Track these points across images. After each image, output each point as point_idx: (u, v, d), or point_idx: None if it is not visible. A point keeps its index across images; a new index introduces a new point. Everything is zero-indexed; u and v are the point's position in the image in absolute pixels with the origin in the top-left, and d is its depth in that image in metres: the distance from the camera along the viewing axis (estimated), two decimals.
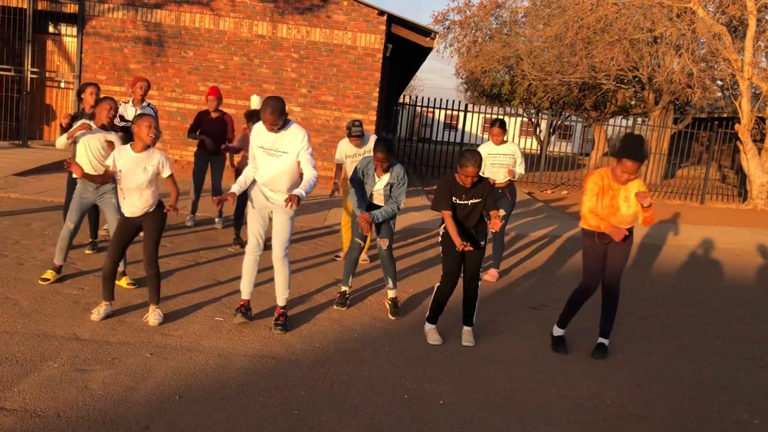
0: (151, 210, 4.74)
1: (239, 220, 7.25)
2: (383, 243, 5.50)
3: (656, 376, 4.72)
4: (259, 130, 4.72)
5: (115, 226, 4.78)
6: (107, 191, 5.43)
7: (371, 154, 6.88)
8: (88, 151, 5.38)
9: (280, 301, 4.96)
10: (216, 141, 7.88)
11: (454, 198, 4.85)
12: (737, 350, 5.48)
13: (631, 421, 3.98)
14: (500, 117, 6.93)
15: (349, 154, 6.90)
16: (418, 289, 6.35)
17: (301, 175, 4.79)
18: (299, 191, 4.47)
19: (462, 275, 5.02)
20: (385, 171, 5.44)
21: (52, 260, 6.05)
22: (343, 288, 5.59)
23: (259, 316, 5.16)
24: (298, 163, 4.69)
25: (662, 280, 7.75)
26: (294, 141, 4.63)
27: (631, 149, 4.55)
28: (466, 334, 5.03)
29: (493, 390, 4.23)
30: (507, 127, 6.84)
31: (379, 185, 5.49)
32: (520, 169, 6.96)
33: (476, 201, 4.88)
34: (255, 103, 7.62)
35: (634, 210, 4.78)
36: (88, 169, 5.41)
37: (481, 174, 5.28)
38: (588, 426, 3.85)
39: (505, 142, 6.82)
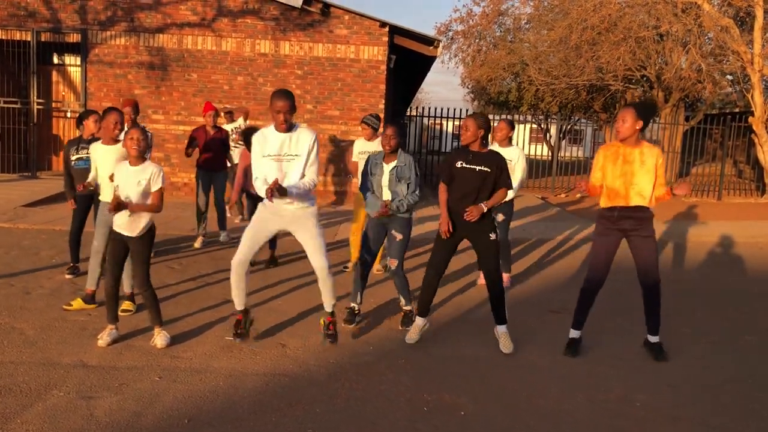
0: (141, 233, 4.60)
1: None
2: (392, 263, 5.24)
3: (687, 376, 4.51)
4: (263, 138, 4.41)
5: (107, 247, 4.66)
6: None
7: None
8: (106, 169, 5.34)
9: (329, 307, 4.73)
10: (216, 157, 7.79)
11: (459, 162, 4.55)
12: None
13: (665, 423, 3.77)
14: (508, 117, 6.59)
15: (360, 150, 6.77)
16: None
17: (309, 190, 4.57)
18: (289, 187, 4.25)
19: (480, 270, 4.77)
20: (393, 151, 5.18)
21: (60, 289, 5.96)
22: (352, 304, 5.34)
23: (270, 334, 5.00)
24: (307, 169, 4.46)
25: (685, 277, 7.51)
26: (305, 142, 4.40)
27: (639, 105, 4.55)
28: (502, 338, 4.75)
29: (516, 397, 4.03)
30: (514, 128, 6.55)
31: (386, 169, 5.20)
32: (513, 180, 6.33)
33: (485, 169, 4.52)
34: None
35: (651, 177, 4.55)
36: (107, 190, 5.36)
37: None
38: (618, 430, 3.65)
39: (511, 145, 6.56)
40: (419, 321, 4.88)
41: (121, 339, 4.73)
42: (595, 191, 4.76)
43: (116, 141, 5.40)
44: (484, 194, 4.61)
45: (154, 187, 4.56)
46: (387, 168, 5.23)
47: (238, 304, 4.70)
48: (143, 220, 4.56)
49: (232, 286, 4.64)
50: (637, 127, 4.50)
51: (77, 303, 5.36)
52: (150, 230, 4.65)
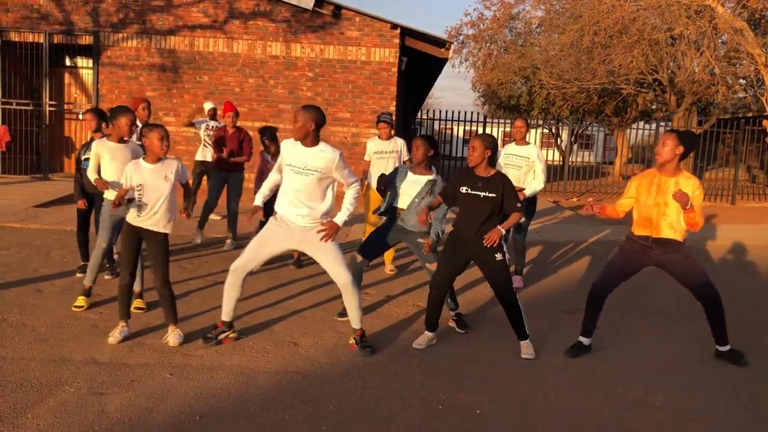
0: (162, 229, 4.56)
1: None
2: (434, 267, 5.08)
3: (706, 377, 4.42)
4: (288, 146, 4.41)
5: (120, 240, 4.62)
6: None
7: (397, 150, 6.69)
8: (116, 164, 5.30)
9: (356, 324, 4.60)
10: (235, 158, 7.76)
11: (465, 188, 4.48)
12: None
13: (686, 424, 3.68)
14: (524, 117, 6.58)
15: (376, 150, 6.72)
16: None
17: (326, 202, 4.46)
18: (340, 217, 4.41)
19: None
20: (420, 162, 5.01)
21: (71, 287, 5.94)
22: None
23: (281, 332, 4.96)
24: (326, 186, 4.40)
25: None
26: (324, 160, 4.30)
27: (681, 132, 4.43)
28: (523, 347, 4.67)
29: (533, 397, 3.96)
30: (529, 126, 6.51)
31: (410, 178, 5.03)
32: (536, 183, 6.33)
33: (491, 195, 4.41)
34: (208, 107, 8.29)
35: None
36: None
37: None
38: (638, 431, 3.57)
39: (528, 143, 6.53)
40: (429, 335, 4.81)
41: (133, 336, 4.70)
42: (613, 215, 4.68)
43: (126, 141, 5.36)
44: (492, 219, 4.47)
45: (185, 180, 4.65)
46: (411, 178, 5.09)
47: (225, 312, 4.61)
48: (169, 212, 4.55)
49: (224, 290, 4.57)
50: (677, 152, 4.37)
51: (82, 301, 5.31)
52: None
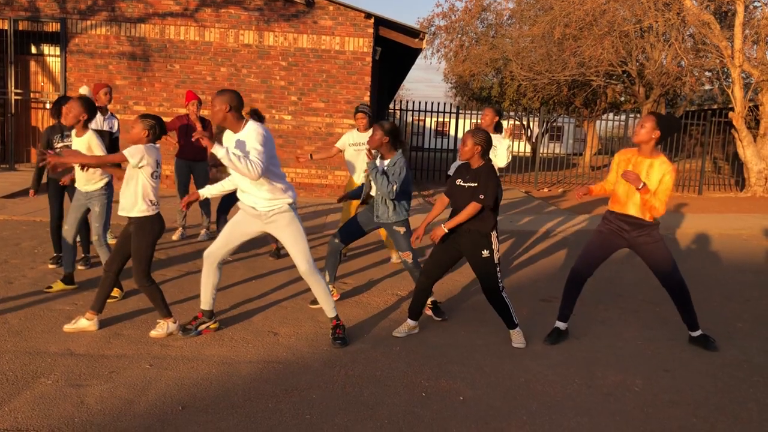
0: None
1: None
2: (407, 257, 5.11)
3: (683, 361, 4.50)
4: (226, 136, 4.32)
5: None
6: (96, 195, 5.27)
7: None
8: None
9: (329, 312, 4.56)
10: (196, 148, 7.64)
11: (459, 180, 4.53)
12: (762, 332, 5.26)
13: (664, 407, 3.75)
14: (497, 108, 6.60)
15: (352, 142, 6.68)
16: None
17: (271, 184, 4.27)
18: (220, 149, 3.94)
19: None
20: (376, 148, 5.07)
21: (43, 278, 5.82)
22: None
23: (261, 322, 4.92)
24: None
25: None
26: (245, 140, 4.14)
27: (661, 116, 4.47)
28: (513, 336, 4.69)
29: (514, 383, 4.00)
30: (501, 119, 6.48)
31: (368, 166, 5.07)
32: (499, 160, 6.31)
33: (473, 185, 4.44)
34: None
35: (654, 189, 4.45)
36: (80, 177, 5.27)
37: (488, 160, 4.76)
38: (619, 414, 3.63)
39: (498, 132, 6.51)
40: (410, 323, 4.81)
41: (108, 326, 4.62)
42: (602, 193, 4.77)
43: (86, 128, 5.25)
44: (464, 202, 4.49)
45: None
46: (380, 164, 5.21)
47: (204, 301, 4.57)
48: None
49: (201, 278, 4.54)
50: (653, 136, 4.40)
51: (58, 285, 5.24)
52: (148, 219, 4.42)
